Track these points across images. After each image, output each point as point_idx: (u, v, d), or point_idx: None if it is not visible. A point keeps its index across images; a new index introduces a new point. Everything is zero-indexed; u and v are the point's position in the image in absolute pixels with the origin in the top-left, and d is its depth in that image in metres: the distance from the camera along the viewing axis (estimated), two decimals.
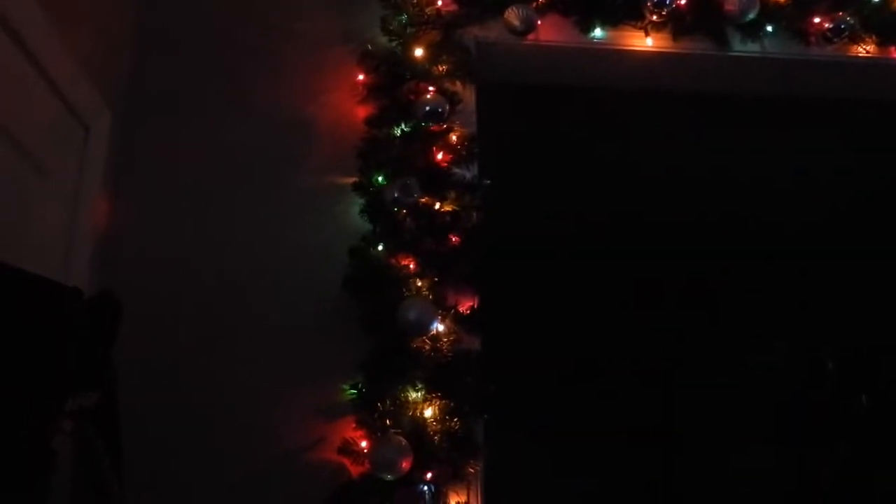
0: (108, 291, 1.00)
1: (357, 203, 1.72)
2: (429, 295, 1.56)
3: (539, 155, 2.47)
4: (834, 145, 2.38)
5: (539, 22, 1.91)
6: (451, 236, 1.67)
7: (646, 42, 1.97)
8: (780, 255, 2.47)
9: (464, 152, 1.79)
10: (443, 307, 1.58)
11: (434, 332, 1.54)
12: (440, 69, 1.84)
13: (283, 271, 1.67)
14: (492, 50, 1.94)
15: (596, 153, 2.49)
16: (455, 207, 1.70)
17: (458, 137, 1.80)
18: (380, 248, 1.65)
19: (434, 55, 1.84)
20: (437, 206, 1.70)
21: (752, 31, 1.96)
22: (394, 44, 1.86)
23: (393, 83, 1.82)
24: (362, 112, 1.83)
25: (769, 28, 1.97)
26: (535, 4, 1.92)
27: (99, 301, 0.97)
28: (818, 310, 2.41)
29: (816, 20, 1.98)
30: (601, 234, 2.50)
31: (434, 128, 1.77)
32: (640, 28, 1.98)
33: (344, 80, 1.88)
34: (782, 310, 2.41)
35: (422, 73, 1.82)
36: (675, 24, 1.97)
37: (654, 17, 1.94)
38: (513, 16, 1.88)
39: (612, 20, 1.95)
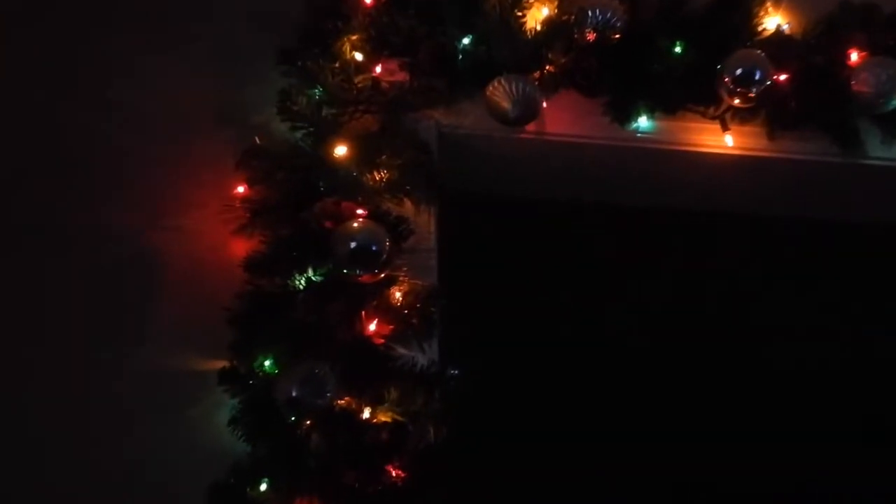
0: None
1: (227, 406, 1.72)
2: None
3: (540, 315, 2.45)
4: None
5: (544, 104, 1.92)
6: (390, 470, 1.66)
7: (724, 141, 2.00)
8: None
9: (414, 320, 1.77)
10: None
11: None
12: (378, 177, 1.84)
13: None
14: (465, 147, 2.00)
15: (640, 322, 2.48)
16: (398, 417, 1.69)
17: (405, 294, 1.78)
18: (262, 488, 1.64)
19: (368, 154, 1.84)
20: (367, 413, 1.69)
21: None
22: (299, 134, 1.85)
23: (295, 200, 1.81)
24: (241, 248, 1.82)
25: None
26: (537, 75, 1.94)
27: None
28: None
29: None
30: None
31: (365, 278, 1.74)
32: (713, 118, 2.01)
33: (213, 193, 1.89)
34: None
35: (347, 185, 1.82)
36: (773, 113, 2.00)
37: (737, 102, 1.95)
38: (500, 93, 1.87)
39: (668, 104, 1.99)
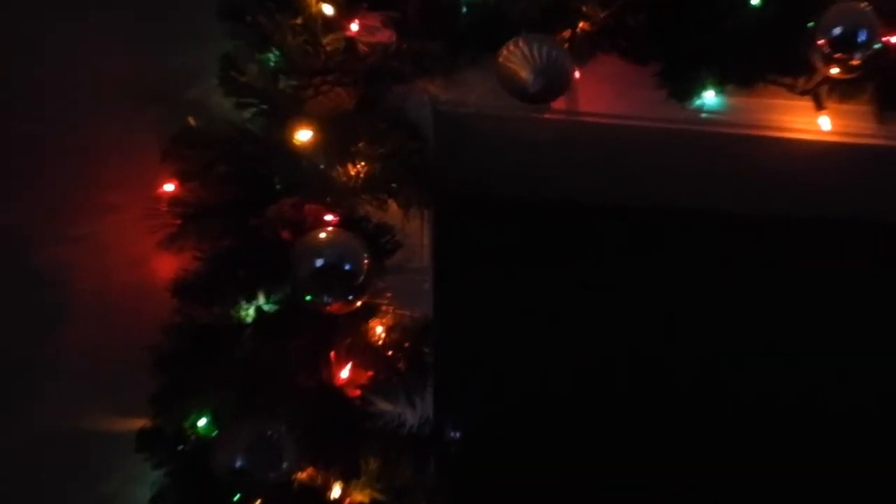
0: None
1: (148, 480, 1.70)
2: None
3: (565, 355, 2.48)
4: None
5: (577, 74, 1.96)
6: None
7: (818, 123, 2.04)
8: None
9: (401, 364, 1.76)
10: None
11: None
12: (354, 172, 1.84)
13: None
14: (470, 131, 2.04)
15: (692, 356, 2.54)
16: (378, 496, 1.69)
17: (389, 329, 1.78)
18: None
19: (340, 140, 1.84)
20: (337, 491, 1.68)
21: None
22: (248, 114, 1.84)
23: (242, 202, 1.80)
24: (168, 266, 1.80)
25: None
26: (567, 35, 1.98)
27: None
28: None
29: None
30: None
31: (336, 307, 1.72)
32: (804, 92, 2.04)
33: (132, 192, 1.90)
34: None
35: (312, 182, 1.83)
36: (884, 87, 2.02)
37: (836, 71, 1.97)
38: (517, 59, 1.88)
39: (743, 75, 2.02)
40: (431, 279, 1.90)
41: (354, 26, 1.90)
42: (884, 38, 1.96)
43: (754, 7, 2.01)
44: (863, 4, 1.96)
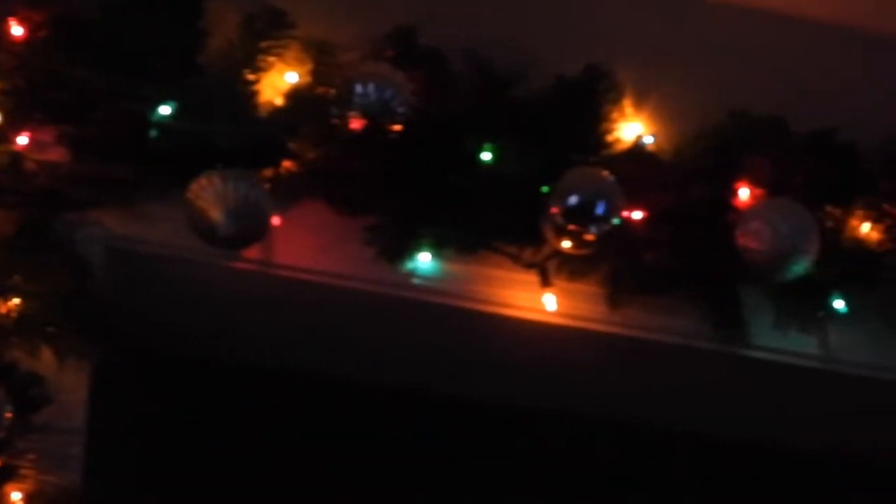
0: None
1: None
2: None
3: None
4: None
5: (276, 220, 2.20)
6: None
7: (541, 302, 2.34)
8: None
9: None
10: None
11: None
12: (5, 310, 2.02)
13: None
14: (149, 274, 2.25)
15: None
16: None
17: (29, 496, 1.94)
18: None
19: None
20: None
21: (801, 303, 2.46)
22: None
23: None
24: None
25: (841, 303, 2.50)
26: (269, 174, 2.24)
27: None
28: None
29: None
30: None
31: None
32: (530, 266, 2.34)
33: None
34: None
35: None
36: (620, 268, 2.38)
37: (567, 245, 2.27)
38: (208, 196, 2.09)
39: (464, 239, 2.31)
40: (84, 442, 2.02)
41: (23, 139, 2.09)
42: (624, 213, 2.27)
43: (485, 163, 2.30)
44: (604, 173, 2.26)
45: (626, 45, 2.57)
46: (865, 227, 2.54)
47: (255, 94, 2.26)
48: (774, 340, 2.48)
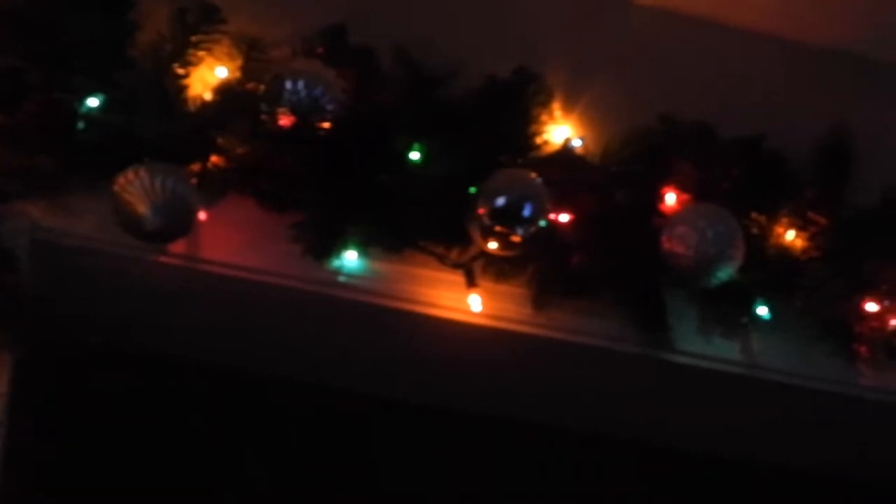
0: None
1: None
2: None
3: None
4: None
5: (202, 215, 2.32)
6: None
7: (466, 302, 2.47)
8: None
9: None
10: None
11: None
12: None
13: None
14: (74, 266, 2.32)
15: None
16: None
17: None
18: None
19: None
20: None
21: (725, 309, 2.66)
22: None
23: None
24: None
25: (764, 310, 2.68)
26: (197, 169, 2.36)
27: None
28: None
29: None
30: None
31: None
32: (456, 266, 2.48)
33: None
34: None
35: None
36: (545, 270, 2.52)
37: (493, 246, 2.41)
38: (135, 189, 2.19)
39: (390, 238, 2.44)
40: (3, 438, 2.09)
41: None
42: (551, 216, 2.42)
43: (413, 162, 2.44)
44: (532, 175, 2.41)
45: (556, 49, 2.72)
46: (790, 235, 2.72)
47: (184, 88, 2.36)
48: (698, 345, 2.64)
